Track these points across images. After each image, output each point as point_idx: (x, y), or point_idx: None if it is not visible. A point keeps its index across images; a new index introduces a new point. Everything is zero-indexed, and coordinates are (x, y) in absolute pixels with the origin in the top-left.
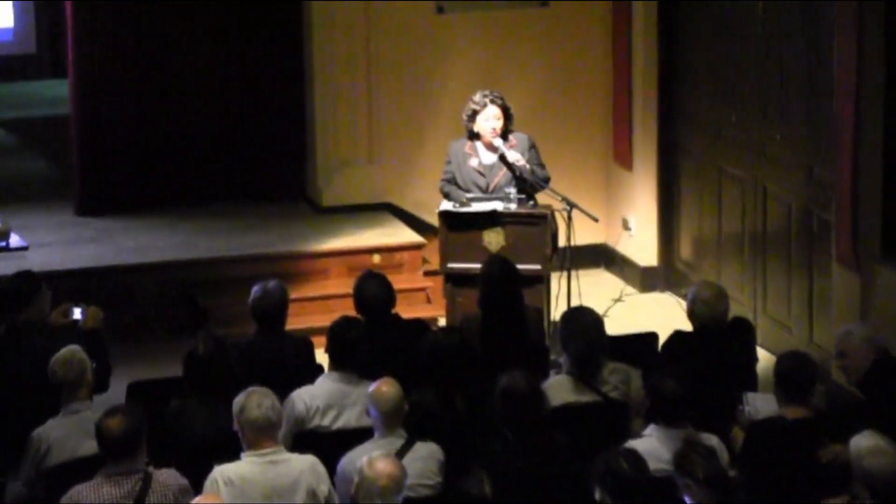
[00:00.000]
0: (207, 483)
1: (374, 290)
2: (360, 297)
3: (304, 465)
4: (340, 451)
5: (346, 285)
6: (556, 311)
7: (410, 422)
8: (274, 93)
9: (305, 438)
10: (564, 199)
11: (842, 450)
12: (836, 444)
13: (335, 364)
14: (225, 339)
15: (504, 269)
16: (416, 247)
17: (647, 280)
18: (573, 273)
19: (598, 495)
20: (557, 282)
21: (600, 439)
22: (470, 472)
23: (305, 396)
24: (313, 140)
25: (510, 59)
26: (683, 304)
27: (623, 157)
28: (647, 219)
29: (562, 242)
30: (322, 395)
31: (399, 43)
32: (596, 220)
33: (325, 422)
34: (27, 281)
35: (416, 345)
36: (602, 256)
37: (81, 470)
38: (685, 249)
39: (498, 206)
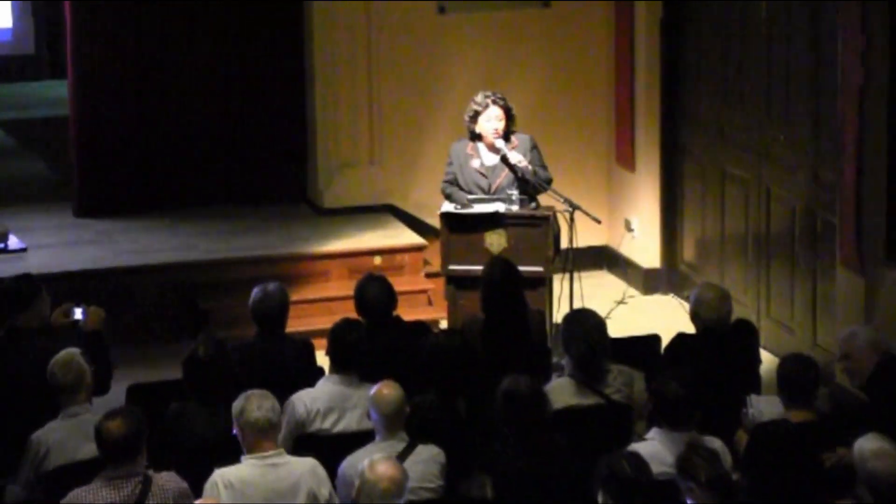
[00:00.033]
0: (207, 486)
1: (375, 293)
2: (361, 299)
3: (305, 468)
4: (341, 455)
5: (346, 287)
6: (559, 313)
7: (412, 424)
8: (274, 93)
9: (306, 442)
10: (566, 201)
11: (846, 452)
12: (839, 446)
13: (336, 366)
14: (225, 341)
15: (506, 270)
16: (418, 248)
17: (649, 282)
18: (575, 275)
19: (600, 498)
20: (559, 284)
21: (603, 442)
22: (471, 475)
23: (306, 399)
24: (314, 141)
25: (512, 60)
26: (686, 306)
27: (625, 158)
28: (650, 220)
29: (564, 244)
30: (323, 398)
31: (400, 43)
32: (598, 221)
33: (326, 425)
34: (27, 284)
35: (417, 347)
36: (604, 258)
37: (80, 473)
38: (688, 251)
39: (500, 207)
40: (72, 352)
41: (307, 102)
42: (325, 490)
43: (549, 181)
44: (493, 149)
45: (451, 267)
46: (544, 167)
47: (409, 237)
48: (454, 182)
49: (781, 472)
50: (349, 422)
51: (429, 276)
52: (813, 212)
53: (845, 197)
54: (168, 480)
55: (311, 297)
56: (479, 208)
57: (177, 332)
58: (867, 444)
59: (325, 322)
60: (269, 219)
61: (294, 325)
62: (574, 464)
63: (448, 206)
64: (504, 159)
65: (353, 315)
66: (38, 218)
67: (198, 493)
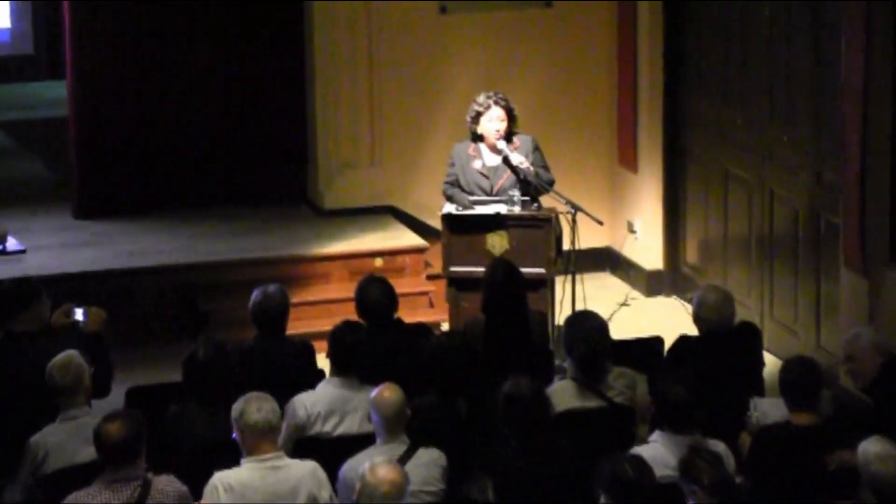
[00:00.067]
0: (207, 489)
1: (376, 295)
2: (361, 301)
3: (305, 471)
4: (342, 458)
5: (347, 289)
6: (561, 315)
7: (413, 427)
8: (274, 94)
9: (306, 445)
10: (569, 202)
11: (849, 455)
12: (843, 449)
13: (336, 369)
14: (225, 343)
15: (508, 272)
16: (419, 250)
17: (652, 284)
18: (577, 277)
19: (602, 501)
20: (562, 285)
21: (605, 445)
22: (473, 478)
23: (306, 402)
24: (314, 142)
25: (513, 60)
26: (689, 308)
27: (628, 159)
28: (653, 222)
29: (566, 246)
30: (323, 401)
31: (401, 43)
32: (600, 223)
33: (327, 428)
34: (27, 288)
35: (418, 349)
36: (607, 260)
37: (79, 476)
38: (691, 253)
39: (501, 209)
40: (70, 354)
41: (307, 103)
42: (325, 493)
43: (551, 182)
44: (494, 150)
45: (453, 269)
46: (546, 168)
47: (410, 239)
48: (456, 183)
49: (784, 476)
50: (350, 425)
51: (430, 277)
52: (816, 213)
53: (848, 198)
54: (167, 483)
55: (312, 299)
56: (480, 210)
57: (176, 334)
58: (871, 447)
59: (326, 324)
60: (269, 220)
61: (294, 327)
62: (576, 466)
63: (449, 208)
64: (506, 160)
65: (354, 317)
66: (37, 219)
67: (197, 495)
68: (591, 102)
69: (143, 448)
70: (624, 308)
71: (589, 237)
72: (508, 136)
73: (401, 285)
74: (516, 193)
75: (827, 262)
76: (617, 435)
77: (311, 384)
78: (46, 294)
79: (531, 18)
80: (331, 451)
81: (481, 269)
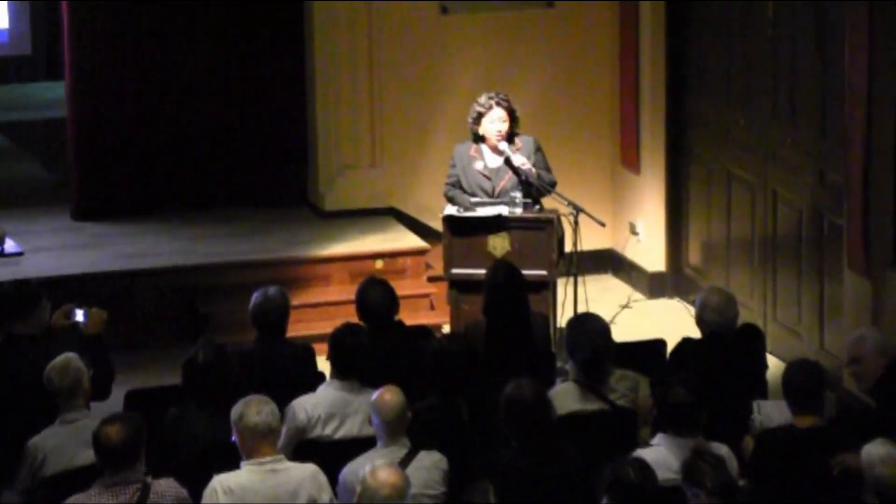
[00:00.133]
0: (207, 492)
1: (376, 297)
2: (362, 303)
3: (305, 474)
4: (342, 461)
5: (348, 291)
6: (563, 317)
7: (414, 430)
8: (274, 94)
9: (307, 448)
10: (571, 204)
11: (853, 458)
12: (847, 452)
13: (337, 372)
14: (225, 346)
15: (509, 274)
16: (420, 252)
17: (654, 286)
18: (580, 279)
19: None
20: (563, 288)
21: (607, 448)
22: (474, 481)
23: (307, 405)
24: (315, 143)
25: (515, 61)
26: (692, 310)
27: (630, 160)
28: (655, 223)
29: (568, 247)
30: (323, 404)
31: (402, 44)
32: (603, 224)
33: (327, 431)
34: (27, 290)
35: (419, 352)
36: (609, 262)
37: (78, 479)
38: (694, 254)
39: (503, 210)
40: (69, 356)
41: (308, 104)
42: (325, 496)
43: (553, 184)
44: (496, 151)
45: (454, 271)
46: (548, 169)
47: (412, 240)
48: (457, 184)
49: (788, 479)
50: (350, 428)
51: (431, 279)
52: (819, 214)
53: (852, 199)
54: (167, 487)
55: (312, 302)
56: (482, 211)
57: (176, 337)
58: (875, 450)
59: (326, 326)
60: (269, 222)
61: (295, 330)
62: (578, 469)
63: (451, 209)
64: (507, 162)
65: (355, 319)
66: (36, 221)
67: (197, 499)
68: (592, 103)
69: (143, 451)
70: (626, 310)
71: (591, 239)
72: (510, 137)
73: (402, 287)
74: (518, 195)
75: (830, 264)
76: (619, 438)
77: (311, 387)
78: (46, 297)
79: (532, 18)
80: (331, 455)
81: (483, 271)
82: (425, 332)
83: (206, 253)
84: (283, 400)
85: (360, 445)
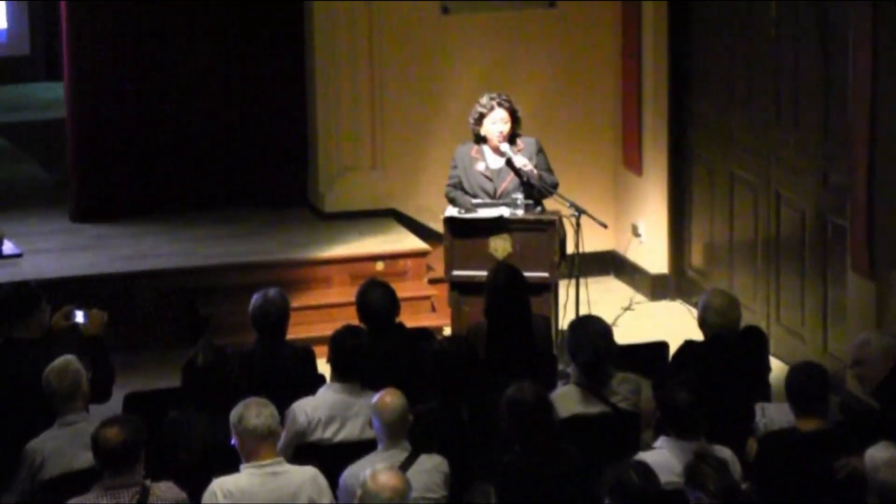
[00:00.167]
0: (206, 495)
1: (377, 299)
2: (363, 305)
3: (305, 477)
4: (343, 464)
5: (348, 293)
6: (564, 319)
7: (415, 433)
8: (274, 95)
9: (307, 451)
10: (572, 205)
11: (857, 462)
12: (850, 455)
13: (337, 374)
14: (225, 348)
15: (511, 276)
16: (421, 254)
17: (657, 288)
18: (581, 281)
19: None
20: (565, 289)
21: (609, 451)
22: (475, 484)
23: (307, 408)
24: (315, 144)
25: (517, 61)
26: (694, 312)
27: (632, 161)
28: (658, 225)
29: (570, 249)
30: (324, 407)
31: (403, 44)
32: (605, 226)
33: (327, 434)
34: (27, 293)
35: (420, 354)
36: (611, 264)
37: (77, 483)
38: (696, 256)
39: (504, 212)
40: (68, 358)
41: (308, 104)
42: (325, 500)
43: (555, 185)
44: (498, 152)
45: (455, 272)
46: (550, 171)
47: (412, 242)
48: (458, 186)
49: (791, 482)
50: (351, 431)
51: (432, 281)
52: (822, 215)
53: (856, 200)
54: (166, 490)
55: (313, 304)
56: (483, 213)
57: (175, 339)
58: (878, 453)
59: (327, 329)
60: (269, 223)
61: (295, 332)
62: (580, 473)
63: (452, 211)
64: (509, 163)
65: (355, 322)
66: (34, 222)
67: (196, 502)
68: (594, 104)
69: (142, 454)
70: (628, 312)
71: (593, 240)
72: (512, 138)
73: (402, 289)
74: (519, 196)
75: (834, 266)
76: (621, 441)
77: (311, 389)
78: (45, 299)
79: (534, 19)
80: (331, 458)
81: (484, 272)
82: (426, 334)
83: (205, 254)
84: (283, 402)
85: (360, 448)
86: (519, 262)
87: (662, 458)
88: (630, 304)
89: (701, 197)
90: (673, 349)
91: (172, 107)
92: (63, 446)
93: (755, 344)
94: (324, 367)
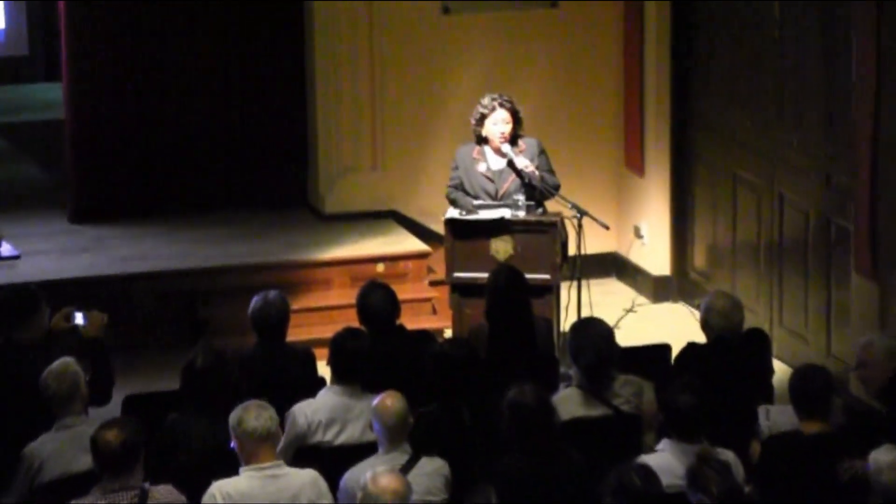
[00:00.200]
0: (205, 499)
1: (378, 301)
2: (363, 307)
3: (306, 480)
4: (343, 467)
5: (349, 295)
6: (566, 321)
7: (415, 436)
8: (275, 95)
9: (307, 454)
10: (574, 206)
11: (861, 465)
12: (854, 458)
13: (338, 377)
14: (224, 350)
15: (512, 278)
16: (422, 256)
17: (659, 290)
18: (583, 282)
19: None
20: (567, 291)
21: (611, 454)
22: (477, 488)
23: (307, 410)
24: (315, 145)
25: (518, 62)
26: (697, 314)
27: (635, 162)
28: (660, 226)
29: (572, 251)
30: (324, 409)
31: (404, 44)
32: (607, 227)
33: (328, 437)
34: (27, 296)
35: (421, 357)
36: (613, 265)
37: (76, 486)
38: (699, 258)
39: (506, 213)
40: (66, 361)
41: (308, 105)
42: (326, 503)
43: (556, 187)
44: (499, 153)
45: (456, 274)
46: (552, 172)
47: (413, 244)
48: (459, 187)
49: (795, 485)
50: (351, 433)
51: (433, 283)
52: (827, 218)
53: (860, 201)
54: (165, 493)
55: (313, 306)
56: (484, 214)
57: (175, 341)
58: (882, 456)
59: (327, 331)
60: (269, 225)
61: (295, 334)
62: (582, 476)
63: (453, 212)
64: (510, 164)
65: (356, 324)
66: (33, 224)
67: None
68: (596, 104)
69: (141, 457)
70: (630, 314)
71: (595, 242)
72: (514, 139)
73: (403, 291)
74: (521, 198)
75: (837, 267)
76: (623, 443)
77: (311, 392)
78: (45, 301)
79: (536, 19)
80: (332, 461)
81: (485, 274)
82: (427, 336)
83: (205, 256)
84: (283, 405)
85: (361, 451)
86: (520, 263)
87: (665, 460)
88: (632, 306)
89: (703, 198)
90: (675, 351)
91: (172, 107)
92: (61, 449)
93: (758, 346)
94: (324, 369)
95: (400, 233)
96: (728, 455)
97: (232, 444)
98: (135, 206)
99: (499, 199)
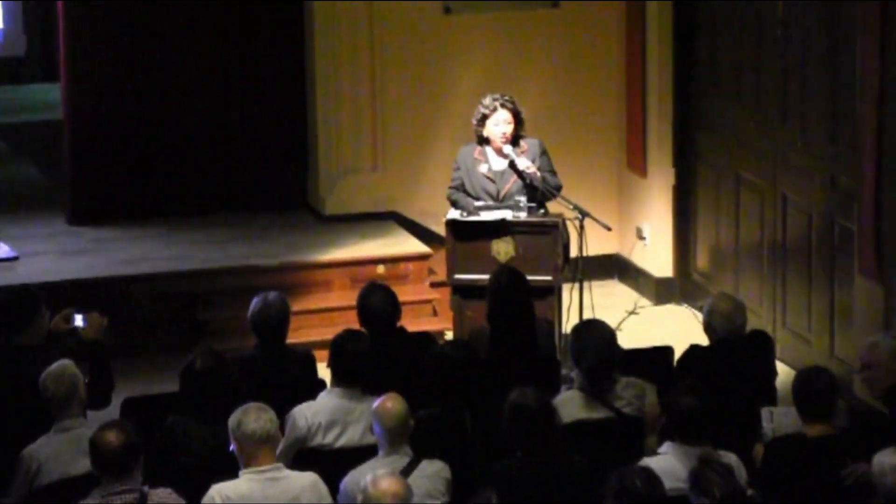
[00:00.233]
0: (205, 502)
1: (378, 303)
2: (363, 309)
3: (305, 483)
4: (343, 470)
5: (349, 297)
6: (568, 323)
7: (416, 439)
8: (274, 96)
9: (307, 457)
10: (576, 208)
11: (865, 468)
12: (858, 461)
13: (338, 379)
14: (224, 353)
15: (513, 280)
16: (423, 257)
17: (662, 292)
18: (585, 284)
19: None
20: (569, 293)
21: (613, 457)
22: (478, 491)
23: (307, 413)
24: (315, 145)
25: (520, 62)
26: (700, 316)
27: (637, 163)
28: (662, 228)
29: (573, 252)
30: (324, 412)
31: (404, 44)
32: (609, 229)
33: (328, 439)
34: (27, 299)
35: (421, 359)
36: (615, 267)
37: (74, 489)
38: (702, 260)
39: (507, 214)
40: (65, 363)
41: (308, 105)
42: None
43: (558, 188)
44: (501, 153)
45: (457, 276)
46: (554, 173)
47: (414, 245)
48: (461, 188)
49: (798, 488)
50: (351, 436)
51: (434, 285)
52: (830, 218)
53: (864, 203)
54: (164, 496)
55: (313, 308)
56: (485, 216)
57: (173, 344)
58: (886, 459)
59: (327, 333)
60: (268, 226)
61: (295, 337)
62: (584, 479)
63: (454, 214)
64: (512, 165)
65: (356, 326)
66: (30, 225)
67: None
68: (598, 105)
69: (140, 459)
70: (633, 316)
71: (597, 243)
72: (515, 140)
73: (404, 293)
74: (522, 199)
75: (841, 269)
76: (625, 446)
77: (311, 394)
78: (45, 304)
79: (537, 19)
80: (332, 463)
81: (486, 276)
82: (428, 338)
83: (204, 258)
84: (283, 407)
85: (361, 454)
86: (522, 265)
87: (667, 463)
88: (634, 308)
89: (706, 199)
90: (678, 354)
91: (171, 108)
92: (60, 452)
93: (761, 348)
94: (324, 371)
95: (400, 234)
96: (730, 458)
97: (231, 447)
98: (134, 208)
99: (500, 201)
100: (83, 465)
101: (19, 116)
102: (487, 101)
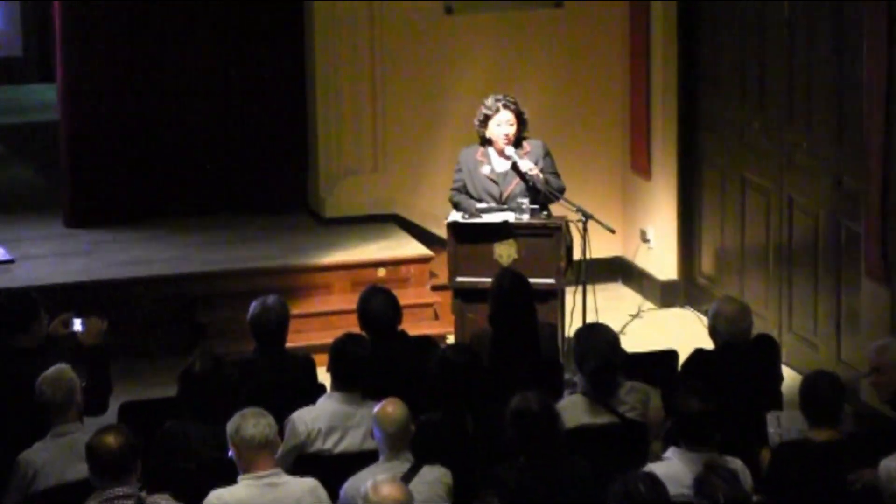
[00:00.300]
0: None
1: (379, 306)
2: (364, 312)
3: (305, 489)
4: (343, 476)
5: (349, 300)
6: (571, 327)
7: (417, 444)
8: (274, 96)
9: (307, 462)
10: (579, 210)
11: (871, 473)
12: (865, 467)
13: (338, 383)
14: (223, 357)
15: (516, 283)
16: (424, 260)
17: (666, 295)
18: (588, 287)
19: None
20: (572, 296)
21: (617, 462)
22: (479, 496)
23: (307, 418)
24: (315, 147)
25: (522, 62)
26: (705, 320)
27: (641, 165)
28: (667, 230)
29: (577, 255)
30: (324, 417)
31: (406, 45)
32: (613, 231)
33: (328, 445)
34: (27, 303)
35: (423, 363)
36: (619, 270)
37: (71, 495)
38: (706, 263)
39: (509, 216)
40: (62, 367)
41: (308, 106)
42: None
43: (561, 190)
44: (503, 155)
45: (459, 279)
46: (557, 175)
47: (415, 248)
48: (463, 189)
49: (804, 494)
50: (351, 441)
51: (435, 288)
52: (836, 220)
53: (871, 205)
54: (162, 502)
55: (313, 311)
56: (487, 218)
57: (172, 348)
58: (894, 464)
59: (327, 337)
60: (268, 228)
61: (294, 340)
62: (587, 485)
63: (455, 216)
64: (515, 167)
65: (356, 329)
66: (27, 228)
67: None
68: (602, 106)
69: (137, 464)
70: (637, 320)
71: (600, 246)
72: (518, 141)
73: (405, 296)
74: (525, 201)
75: (848, 272)
76: (629, 452)
77: (311, 399)
78: (44, 311)
79: (540, 19)
80: (332, 469)
81: (488, 279)
82: (429, 342)
83: (203, 260)
84: (282, 412)
85: (361, 460)
86: (524, 268)
87: (672, 469)
88: (638, 312)
89: (711, 201)
90: (683, 358)
91: (170, 109)
92: (56, 458)
93: (767, 352)
94: (324, 375)
95: (401, 236)
96: (736, 463)
97: (230, 453)
98: (132, 210)
99: (503, 202)
100: (79, 470)
101: (15, 117)
102: (490, 101)
